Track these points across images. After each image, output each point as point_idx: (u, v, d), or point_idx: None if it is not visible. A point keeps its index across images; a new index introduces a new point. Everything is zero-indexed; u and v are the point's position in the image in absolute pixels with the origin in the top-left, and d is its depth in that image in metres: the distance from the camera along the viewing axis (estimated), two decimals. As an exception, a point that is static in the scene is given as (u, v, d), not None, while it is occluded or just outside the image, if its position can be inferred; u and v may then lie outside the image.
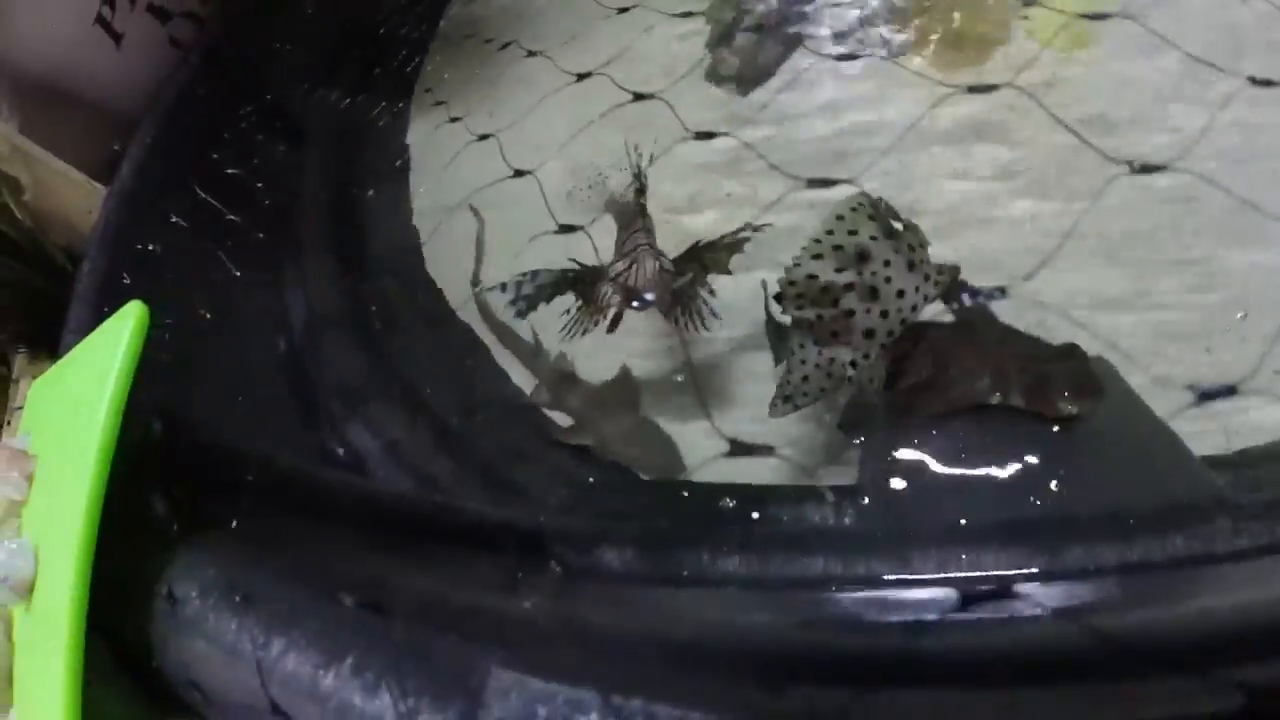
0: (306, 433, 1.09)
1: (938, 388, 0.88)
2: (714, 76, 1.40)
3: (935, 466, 0.88)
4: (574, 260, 1.05)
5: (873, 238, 0.86)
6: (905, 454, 0.89)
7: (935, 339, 0.91)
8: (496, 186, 1.40)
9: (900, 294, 0.86)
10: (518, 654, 0.60)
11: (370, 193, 1.43)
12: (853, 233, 0.86)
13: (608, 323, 1.03)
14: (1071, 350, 0.87)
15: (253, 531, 0.80)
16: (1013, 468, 0.85)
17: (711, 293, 1.04)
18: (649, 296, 0.97)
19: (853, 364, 0.88)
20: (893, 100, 1.28)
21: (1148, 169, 1.13)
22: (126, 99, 1.44)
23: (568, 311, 1.05)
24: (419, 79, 1.60)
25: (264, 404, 1.11)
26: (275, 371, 1.16)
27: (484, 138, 1.48)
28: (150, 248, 1.19)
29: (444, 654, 0.61)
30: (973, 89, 1.26)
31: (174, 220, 1.23)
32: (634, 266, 0.98)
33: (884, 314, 0.86)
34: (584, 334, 1.04)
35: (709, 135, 1.33)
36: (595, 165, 1.22)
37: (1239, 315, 1.00)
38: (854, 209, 0.86)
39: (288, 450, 1.02)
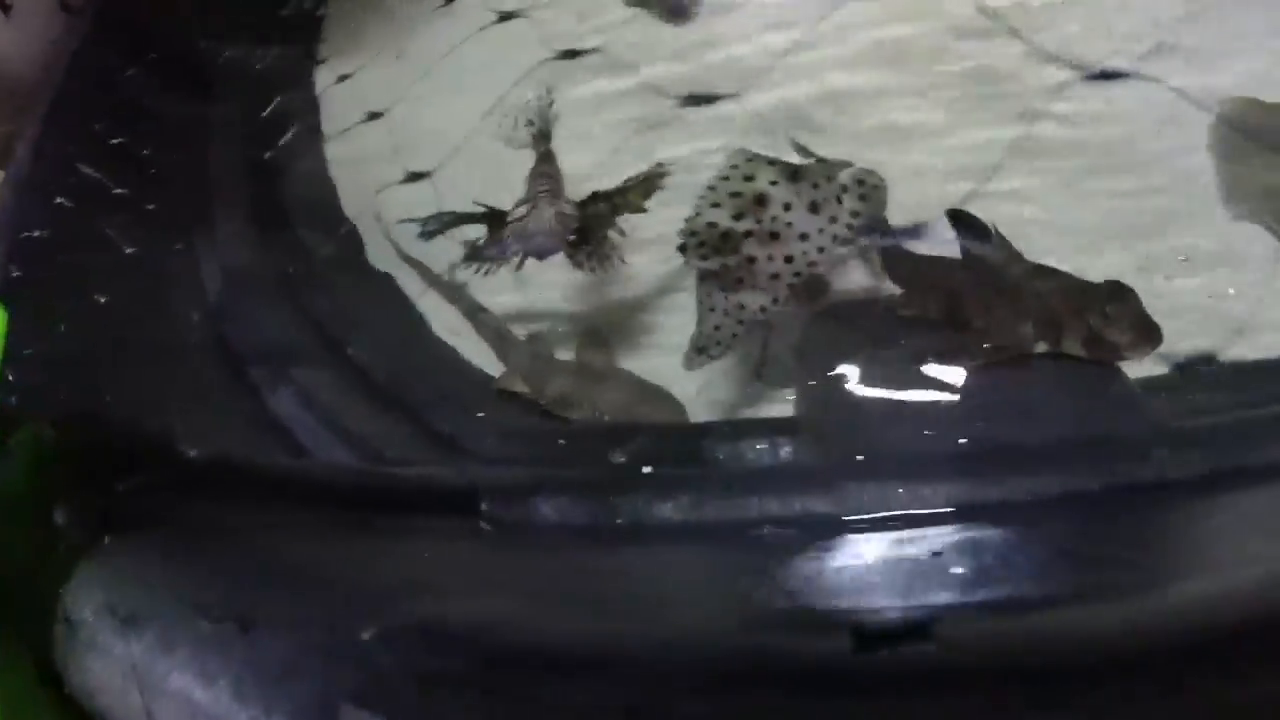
0: (224, 413, 1.06)
1: (967, 337, 0.83)
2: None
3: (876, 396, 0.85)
4: (479, 203, 1.02)
5: (772, 182, 0.83)
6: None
7: (941, 276, 0.87)
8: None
9: (804, 236, 0.83)
10: (376, 696, 0.56)
11: (281, 142, 1.37)
12: (749, 178, 0.84)
13: (514, 268, 1.03)
14: (1120, 289, 0.79)
15: (143, 541, 0.77)
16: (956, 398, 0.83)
17: (622, 233, 1.00)
18: (533, 251, 0.98)
19: (763, 309, 0.85)
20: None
21: (1106, 75, 1.04)
22: (20, 72, 1.37)
23: (477, 241, 1.04)
24: (324, 19, 1.52)
25: (179, 388, 1.07)
26: (189, 351, 1.12)
27: (343, 78, 1.42)
28: (46, 234, 1.14)
29: (306, 682, 0.58)
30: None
31: (73, 202, 1.17)
32: (532, 211, 0.96)
33: (788, 258, 0.84)
34: (487, 274, 1.04)
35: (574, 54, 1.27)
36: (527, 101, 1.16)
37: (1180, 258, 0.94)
38: (750, 159, 0.84)
39: (200, 437, 0.98)
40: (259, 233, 1.25)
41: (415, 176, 1.30)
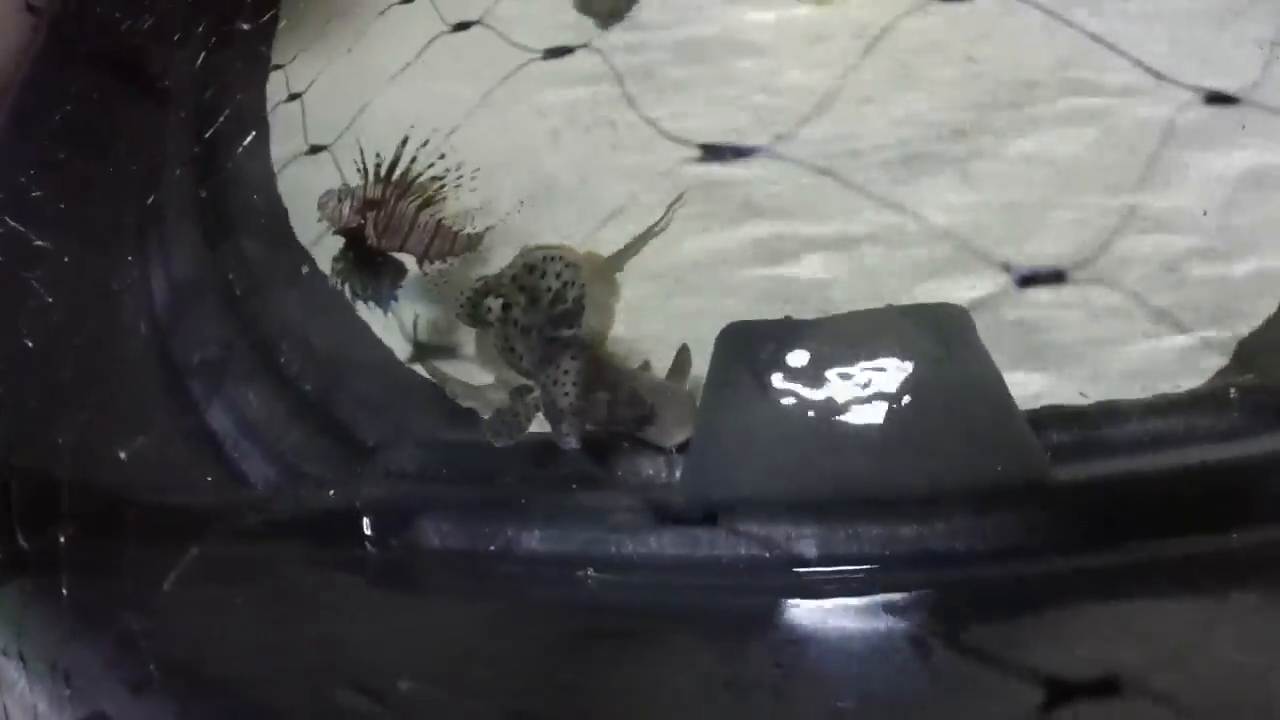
0: (159, 429, 1.13)
1: None
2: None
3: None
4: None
5: None
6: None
7: None
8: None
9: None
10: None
11: (231, 152, 1.39)
12: None
13: None
14: None
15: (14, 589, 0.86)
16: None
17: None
18: None
19: None
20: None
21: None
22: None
23: None
24: (275, 35, 1.52)
25: (115, 404, 1.14)
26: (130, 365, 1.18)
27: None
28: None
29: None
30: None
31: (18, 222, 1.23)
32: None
33: None
34: None
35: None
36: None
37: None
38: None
39: (127, 462, 1.05)
40: (204, 241, 1.30)
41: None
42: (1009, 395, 0.82)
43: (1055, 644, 0.69)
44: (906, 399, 0.82)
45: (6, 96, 1.38)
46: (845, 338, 0.88)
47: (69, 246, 1.25)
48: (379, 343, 1.21)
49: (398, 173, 1.09)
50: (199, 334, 1.23)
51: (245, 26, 1.47)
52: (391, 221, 1.10)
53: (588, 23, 1.30)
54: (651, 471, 0.97)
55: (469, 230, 1.13)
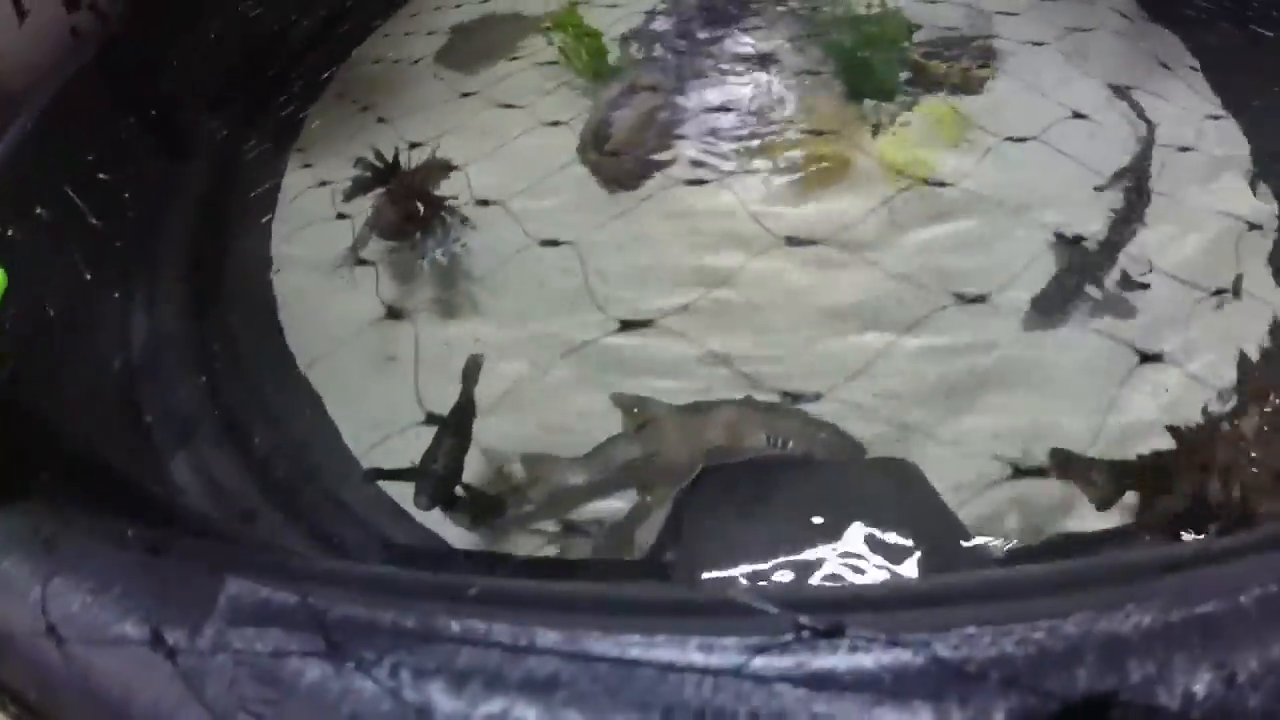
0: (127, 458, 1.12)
1: None
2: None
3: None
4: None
5: None
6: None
7: None
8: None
9: None
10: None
11: (235, 228, 1.46)
12: None
13: None
14: None
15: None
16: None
17: None
18: None
19: None
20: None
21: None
22: (16, 77, 1.41)
23: None
24: (302, 130, 1.65)
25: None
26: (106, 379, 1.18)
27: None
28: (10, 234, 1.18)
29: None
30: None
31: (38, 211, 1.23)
32: None
33: None
34: None
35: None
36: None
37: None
38: None
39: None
40: (194, 302, 1.34)
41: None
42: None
43: None
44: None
45: (31, 98, 1.37)
46: (815, 480, 1.07)
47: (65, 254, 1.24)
48: (346, 448, 1.27)
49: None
50: (171, 387, 1.24)
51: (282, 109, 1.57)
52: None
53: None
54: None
55: None
